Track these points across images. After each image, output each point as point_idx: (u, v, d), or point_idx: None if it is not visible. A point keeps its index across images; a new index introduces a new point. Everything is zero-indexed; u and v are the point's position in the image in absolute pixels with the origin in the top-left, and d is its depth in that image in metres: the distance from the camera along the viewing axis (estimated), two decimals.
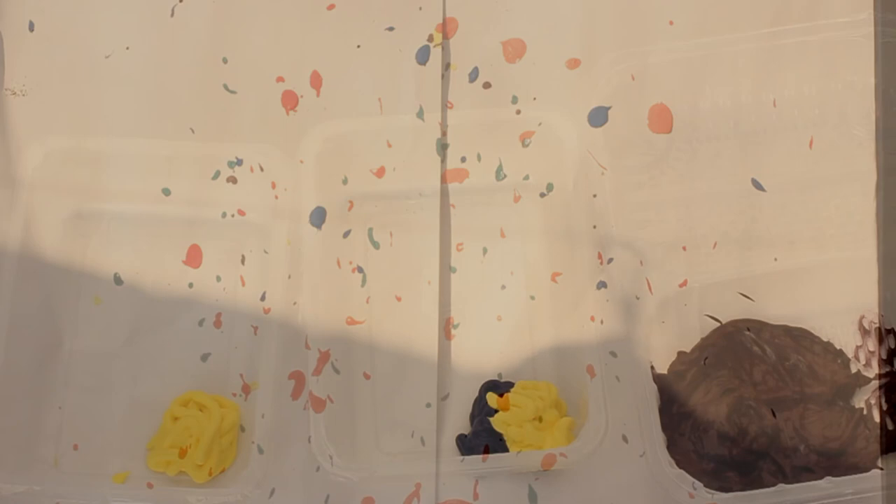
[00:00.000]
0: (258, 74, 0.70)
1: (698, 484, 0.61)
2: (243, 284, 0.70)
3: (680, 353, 0.67)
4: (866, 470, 0.62)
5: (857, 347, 0.67)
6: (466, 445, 0.64)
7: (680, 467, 0.62)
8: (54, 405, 0.67)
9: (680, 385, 0.65)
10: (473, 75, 0.70)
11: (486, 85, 0.70)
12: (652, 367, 0.65)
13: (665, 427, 0.63)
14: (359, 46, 0.69)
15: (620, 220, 0.67)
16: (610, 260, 0.67)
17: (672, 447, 0.63)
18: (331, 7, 0.69)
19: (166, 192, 0.70)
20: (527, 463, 0.62)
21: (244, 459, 0.65)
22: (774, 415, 0.64)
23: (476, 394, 0.66)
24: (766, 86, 0.70)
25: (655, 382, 0.64)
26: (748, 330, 0.66)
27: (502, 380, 0.67)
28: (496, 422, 0.63)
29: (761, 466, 0.63)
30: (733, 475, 0.63)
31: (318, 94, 0.70)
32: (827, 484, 0.60)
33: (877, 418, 0.64)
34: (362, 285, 0.69)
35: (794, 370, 0.66)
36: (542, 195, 0.71)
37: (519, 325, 0.69)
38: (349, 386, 0.67)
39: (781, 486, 0.61)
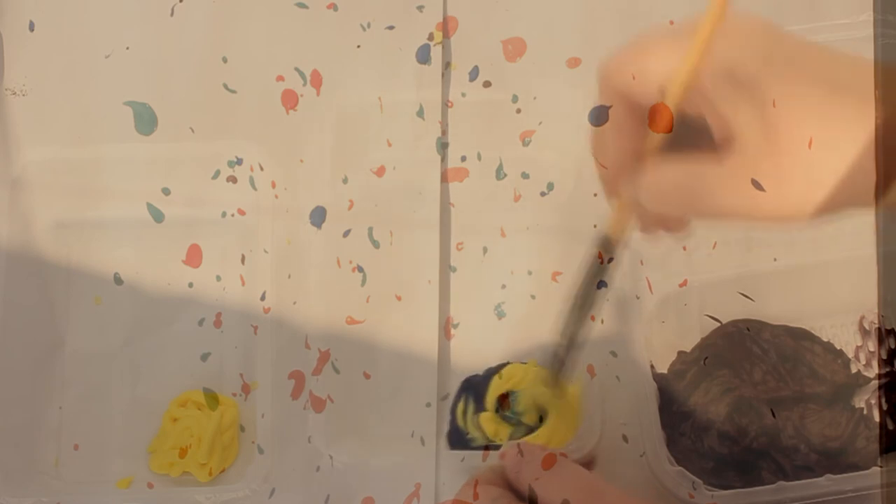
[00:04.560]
0: (258, 73, 0.70)
1: (698, 483, 0.61)
2: (243, 284, 0.70)
3: (680, 353, 0.67)
4: (866, 469, 0.62)
5: (858, 347, 0.67)
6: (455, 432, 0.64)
7: (680, 466, 0.62)
8: (54, 405, 0.67)
9: (680, 385, 0.65)
10: (473, 74, 0.70)
11: (487, 84, 0.70)
12: (652, 367, 0.65)
13: (665, 426, 0.63)
14: (359, 46, 0.69)
15: None
16: (610, 259, 0.66)
17: (672, 446, 0.63)
18: (330, 6, 0.69)
19: (166, 191, 0.70)
20: None
21: (244, 459, 0.65)
22: (774, 414, 0.64)
23: (463, 393, 0.66)
24: None
25: (655, 382, 0.64)
26: (748, 330, 0.67)
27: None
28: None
29: (761, 466, 0.63)
30: (733, 474, 0.63)
31: (317, 94, 0.70)
32: (826, 482, 0.60)
33: (877, 418, 0.65)
34: (362, 285, 0.69)
35: (794, 370, 0.66)
36: (543, 194, 0.71)
37: (519, 325, 0.69)
38: (349, 386, 0.67)
39: (781, 483, 0.61)
